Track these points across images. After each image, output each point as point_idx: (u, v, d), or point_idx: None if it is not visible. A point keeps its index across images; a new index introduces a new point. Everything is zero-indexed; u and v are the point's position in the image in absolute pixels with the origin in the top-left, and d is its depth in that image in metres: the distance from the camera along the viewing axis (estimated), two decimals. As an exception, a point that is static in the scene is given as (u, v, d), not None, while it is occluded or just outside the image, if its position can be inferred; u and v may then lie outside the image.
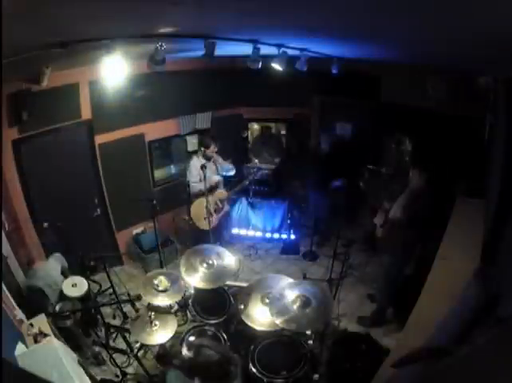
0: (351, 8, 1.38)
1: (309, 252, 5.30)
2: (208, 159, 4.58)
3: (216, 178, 4.68)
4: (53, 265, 3.72)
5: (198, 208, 4.52)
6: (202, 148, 4.56)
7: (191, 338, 3.07)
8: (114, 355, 3.46)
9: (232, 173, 4.86)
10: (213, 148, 4.53)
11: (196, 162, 4.54)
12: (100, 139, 4.52)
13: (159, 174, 5.35)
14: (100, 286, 4.26)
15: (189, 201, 4.58)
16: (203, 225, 4.50)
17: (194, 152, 5.06)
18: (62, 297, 3.51)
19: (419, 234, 3.53)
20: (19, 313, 2.74)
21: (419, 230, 3.48)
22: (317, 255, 5.28)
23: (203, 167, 4.30)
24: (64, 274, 3.78)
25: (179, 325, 3.17)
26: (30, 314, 2.84)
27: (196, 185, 4.48)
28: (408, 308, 2.82)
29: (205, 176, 4.29)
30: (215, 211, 4.61)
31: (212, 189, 4.56)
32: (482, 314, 1.68)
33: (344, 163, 5.58)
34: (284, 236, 5.55)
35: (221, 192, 4.69)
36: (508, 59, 1.90)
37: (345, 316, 4.07)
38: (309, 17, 1.65)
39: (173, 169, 5.52)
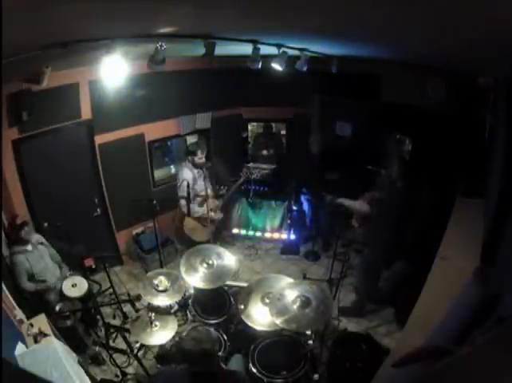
0: (351, 8, 1.38)
1: (311, 252, 5.30)
2: (198, 167, 4.26)
3: (208, 191, 4.25)
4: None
5: (191, 223, 4.38)
6: (190, 157, 4.23)
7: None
8: (114, 355, 3.46)
9: None
10: (200, 155, 4.20)
11: (186, 173, 4.20)
12: (100, 139, 4.52)
13: (159, 174, 5.35)
14: (100, 286, 4.26)
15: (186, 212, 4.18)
16: (199, 237, 4.42)
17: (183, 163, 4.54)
18: (62, 297, 3.52)
19: (396, 228, 3.56)
20: (19, 313, 2.74)
21: (397, 224, 3.52)
22: (319, 256, 5.28)
23: (199, 176, 4.14)
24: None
25: (179, 326, 3.18)
26: (30, 312, 2.85)
27: (183, 202, 4.08)
28: (408, 308, 2.82)
29: (188, 194, 3.93)
30: (210, 221, 4.33)
31: (202, 201, 4.30)
32: (482, 314, 1.68)
33: (344, 164, 5.59)
34: (284, 236, 5.55)
35: (213, 202, 4.45)
36: (508, 59, 1.90)
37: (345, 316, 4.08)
38: (310, 18, 1.65)
39: (173, 169, 5.51)
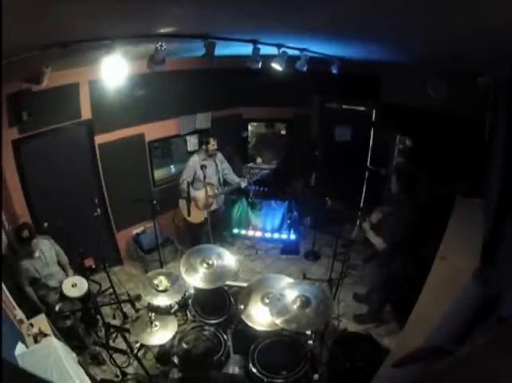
0: (351, 8, 1.38)
1: (311, 252, 5.30)
2: (210, 155, 4.61)
3: (214, 179, 4.67)
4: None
5: (184, 203, 4.59)
6: (204, 145, 4.63)
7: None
8: (114, 355, 3.46)
9: (238, 185, 4.82)
10: (213, 142, 4.58)
11: (195, 159, 4.60)
12: (100, 139, 4.52)
13: (159, 174, 5.35)
14: (100, 286, 4.26)
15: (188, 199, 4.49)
16: (193, 219, 4.63)
17: (195, 152, 5.04)
18: (62, 297, 3.52)
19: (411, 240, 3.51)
20: (19, 313, 2.74)
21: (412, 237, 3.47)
22: (319, 255, 5.28)
23: (203, 167, 4.33)
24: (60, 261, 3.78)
25: (179, 326, 3.17)
26: (30, 312, 2.85)
27: (184, 185, 4.44)
28: (408, 308, 2.82)
29: (205, 176, 4.31)
30: (204, 206, 4.57)
31: (202, 185, 4.57)
32: (482, 314, 1.68)
33: (344, 163, 5.59)
34: (284, 236, 5.55)
35: (210, 188, 4.64)
36: (508, 59, 1.90)
37: (345, 316, 4.08)
38: (309, 17, 1.65)
39: (173, 169, 5.51)
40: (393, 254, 3.52)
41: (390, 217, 3.53)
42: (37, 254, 3.47)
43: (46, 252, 3.59)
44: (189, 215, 4.38)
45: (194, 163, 4.60)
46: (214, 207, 4.74)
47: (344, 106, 5.44)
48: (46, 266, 3.54)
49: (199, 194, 4.57)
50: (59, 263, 3.73)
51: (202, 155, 4.68)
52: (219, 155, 4.81)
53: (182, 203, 4.68)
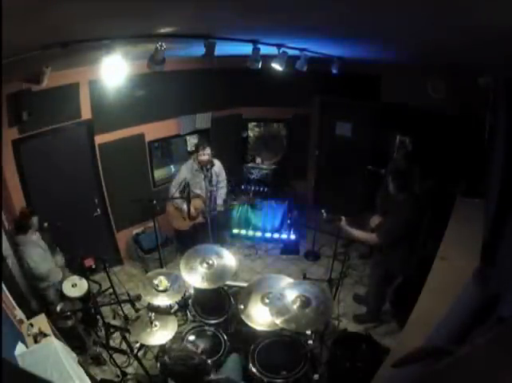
0: (351, 8, 1.38)
1: (311, 252, 5.30)
2: (202, 164, 4.37)
3: (201, 190, 4.47)
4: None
5: (172, 209, 4.62)
6: (196, 153, 4.39)
7: (191, 338, 3.08)
8: (114, 355, 3.46)
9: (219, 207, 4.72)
10: (206, 152, 4.30)
11: (186, 167, 4.48)
12: (100, 139, 4.52)
13: (159, 174, 5.35)
14: (100, 286, 4.25)
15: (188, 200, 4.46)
16: (178, 225, 4.66)
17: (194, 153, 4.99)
18: (62, 297, 3.52)
19: (410, 241, 3.49)
20: (19, 313, 2.74)
21: (411, 237, 3.45)
22: (319, 255, 5.28)
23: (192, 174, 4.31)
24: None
25: (179, 326, 3.17)
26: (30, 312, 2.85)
27: (172, 190, 4.42)
28: (408, 308, 2.82)
29: (185, 185, 4.31)
30: (190, 217, 4.40)
31: (192, 196, 4.35)
32: (482, 314, 1.68)
33: (344, 164, 5.59)
34: (284, 236, 5.55)
35: (198, 201, 4.50)
36: (508, 59, 1.90)
37: (345, 316, 4.08)
38: (310, 17, 1.65)
39: (173, 169, 5.51)
40: (389, 252, 3.51)
41: (387, 216, 3.52)
42: (34, 237, 3.53)
43: (41, 244, 3.63)
44: (189, 214, 4.32)
45: (185, 171, 4.46)
46: (200, 219, 4.57)
47: (344, 105, 5.44)
48: (43, 251, 3.57)
49: (184, 204, 4.36)
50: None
51: (194, 163, 4.47)
52: (216, 166, 4.52)
53: (171, 208, 4.63)
